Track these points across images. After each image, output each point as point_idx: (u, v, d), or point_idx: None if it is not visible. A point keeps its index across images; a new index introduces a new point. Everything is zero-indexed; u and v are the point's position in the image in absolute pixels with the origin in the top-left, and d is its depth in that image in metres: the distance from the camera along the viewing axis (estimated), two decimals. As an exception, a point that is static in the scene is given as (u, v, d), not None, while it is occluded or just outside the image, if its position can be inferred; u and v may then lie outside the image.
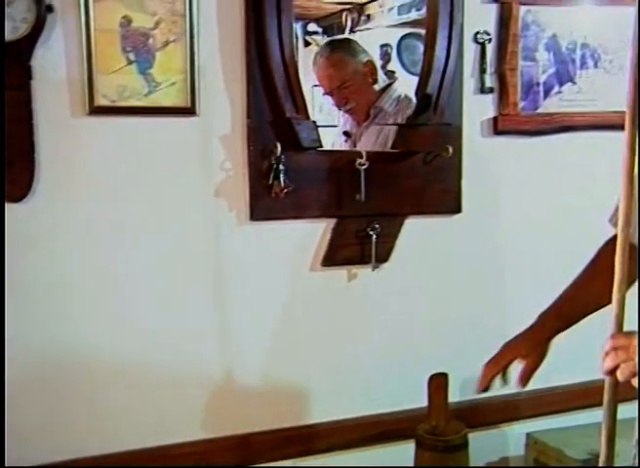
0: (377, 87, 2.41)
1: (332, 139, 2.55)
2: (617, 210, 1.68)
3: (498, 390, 1.88)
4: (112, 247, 1.78)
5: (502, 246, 2.16)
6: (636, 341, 1.36)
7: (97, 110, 1.71)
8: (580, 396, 2.23)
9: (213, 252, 1.87)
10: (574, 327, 1.71)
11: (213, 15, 1.78)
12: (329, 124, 2.74)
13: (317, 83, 2.52)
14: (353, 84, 2.37)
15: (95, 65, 1.69)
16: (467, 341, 2.11)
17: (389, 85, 2.41)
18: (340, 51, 2.40)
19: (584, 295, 1.67)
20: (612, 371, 1.33)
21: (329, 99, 2.51)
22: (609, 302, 1.66)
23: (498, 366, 1.66)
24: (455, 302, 2.12)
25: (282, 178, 1.85)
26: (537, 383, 1.83)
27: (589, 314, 1.67)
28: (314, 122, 1.90)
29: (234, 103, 1.84)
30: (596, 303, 1.66)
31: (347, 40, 2.51)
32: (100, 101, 1.70)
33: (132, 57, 1.72)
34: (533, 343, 1.66)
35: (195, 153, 1.82)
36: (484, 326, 2.13)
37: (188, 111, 1.78)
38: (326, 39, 2.65)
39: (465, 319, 2.13)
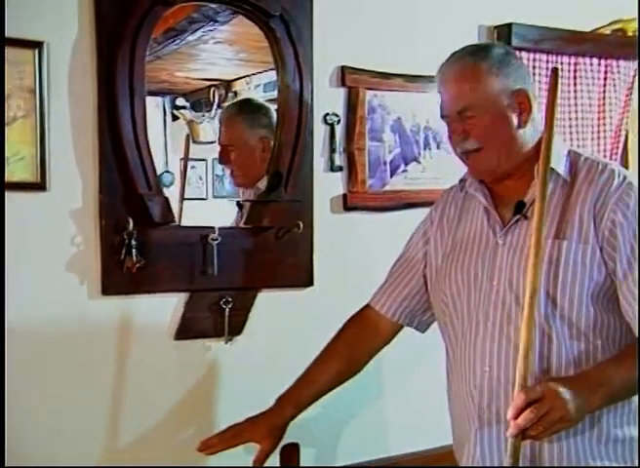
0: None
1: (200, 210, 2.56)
2: (380, 290, 1.84)
3: (355, 458, 1.94)
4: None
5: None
6: (560, 388, 1.39)
7: (-62, 185, 1.68)
8: (434, 460, 2.30)
9: (63, 326, 1.84)
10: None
11: (64, 91, 1.81)
12: (197, 197, 2.79)
13: (183, 156, 2.54)
14: (240, 153, 2.28)
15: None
16: (320, 411, 2.14)
17: None
18: (242, 115, 2.33)
19: (320, 378, 1.81)
20: (523, 430, 1.38)
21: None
22: (345, 380, 1.82)
23: (229, 443, 1.74)
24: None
25: (134, 253, 1.86)
26: (395, 450, 1.91)
27: (323, 395, 1.82)
28: (166, 198, 1.93)
29: (86, 178, 1.85)
30: (332, 383, 1.82)
31: (261, 108, 2.32)
32: (-58, 176, 1.69)
33: (-23, 131, 1.71)
34: (270, 429, 1.76)
35: (45, 228, 1.82)
36: (336, 395, 2.17)
37: (38, 186, 1.78)
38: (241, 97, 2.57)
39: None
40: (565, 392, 1.38)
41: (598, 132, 2.59)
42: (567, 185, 1.59)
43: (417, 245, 1.82)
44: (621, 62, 2.61)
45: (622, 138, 2.68)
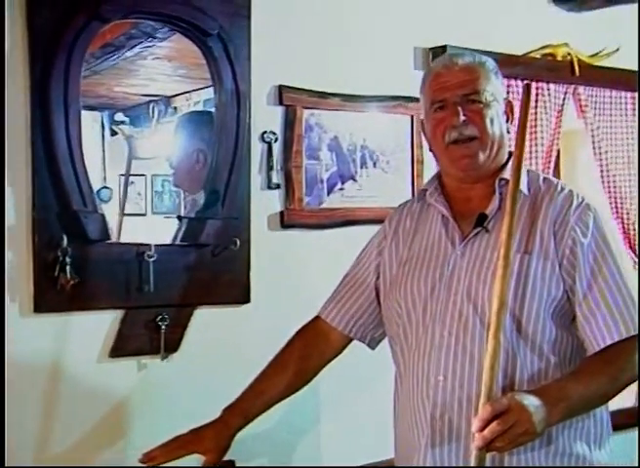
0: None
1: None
2: (330, 302, 1.85)
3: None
4: None
5: (291, 334, 2.24)
6: (525, 401, 1.40)
7: None
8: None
9: (-6, 345, 1.81)
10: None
11: (-4, 106, 1.79)
12: (136, 212, 2.77)
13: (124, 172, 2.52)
14: (180, 163, 2.29)
15: None
16: (259, 429, 2.14)
17: None
18: (185, 128, 2.33)
19: (270, 388, 1.79)
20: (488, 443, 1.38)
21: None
22: (295, 391, 1.80)
23: (172, 455, 1.69)
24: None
25: (68, 270, 1.84)
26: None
27: (272, 406, 1.79)
28: (102, 214, 1.91)
29: (19, 195, 1.83)
30: (282, 393, 1.80)
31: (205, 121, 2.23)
32: None
33: None
34: (216, 440, 1.71)
35: (-25, 244, 1.79)
36: (275, 414, 2.18)
37: (-32, 202, 1.76)
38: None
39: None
40: (530, 405, 1.41)
41: (530, 152, 2.66)
42: (527, 202, 1.64)
43: (369, 256, 1.82)
44: (552, 86, 2.70)
45: (554, 159, 2.76)
